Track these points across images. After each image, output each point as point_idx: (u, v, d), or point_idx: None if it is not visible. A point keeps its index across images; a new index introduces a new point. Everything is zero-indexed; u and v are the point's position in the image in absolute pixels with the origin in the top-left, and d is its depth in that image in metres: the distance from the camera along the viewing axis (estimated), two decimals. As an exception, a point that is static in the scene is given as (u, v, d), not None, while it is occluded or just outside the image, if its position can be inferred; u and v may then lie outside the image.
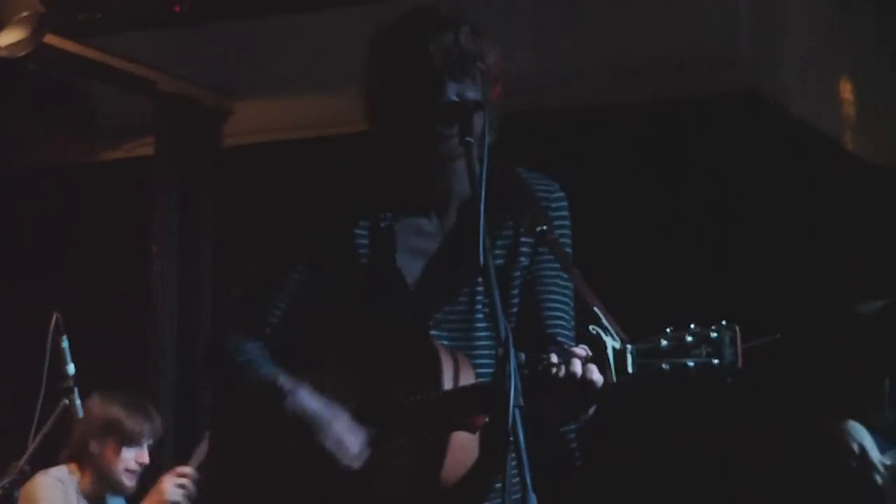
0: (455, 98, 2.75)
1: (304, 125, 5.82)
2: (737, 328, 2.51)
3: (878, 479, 4.30)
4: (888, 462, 4.32)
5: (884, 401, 4.34)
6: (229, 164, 6.01)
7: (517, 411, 2.45)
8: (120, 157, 6.26)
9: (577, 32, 5.54)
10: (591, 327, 2.56)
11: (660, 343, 2.53)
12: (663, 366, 2.52)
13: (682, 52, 5.36)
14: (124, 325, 5.91)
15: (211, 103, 5.99)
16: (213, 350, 2.97)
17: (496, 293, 2.56)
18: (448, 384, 2.69)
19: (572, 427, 2.82)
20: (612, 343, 2.54)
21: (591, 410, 2.68)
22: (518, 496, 2.42)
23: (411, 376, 2.73)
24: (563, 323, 2.86)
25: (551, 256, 2.83)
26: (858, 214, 4.44)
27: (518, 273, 2.85)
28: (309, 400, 2.74)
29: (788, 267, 5.22)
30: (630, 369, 2.54)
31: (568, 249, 2.87)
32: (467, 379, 2.71)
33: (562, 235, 2.86)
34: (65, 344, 4.78)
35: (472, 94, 2.76)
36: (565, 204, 2.90)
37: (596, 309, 2.59)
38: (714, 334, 2.51)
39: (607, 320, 2.57)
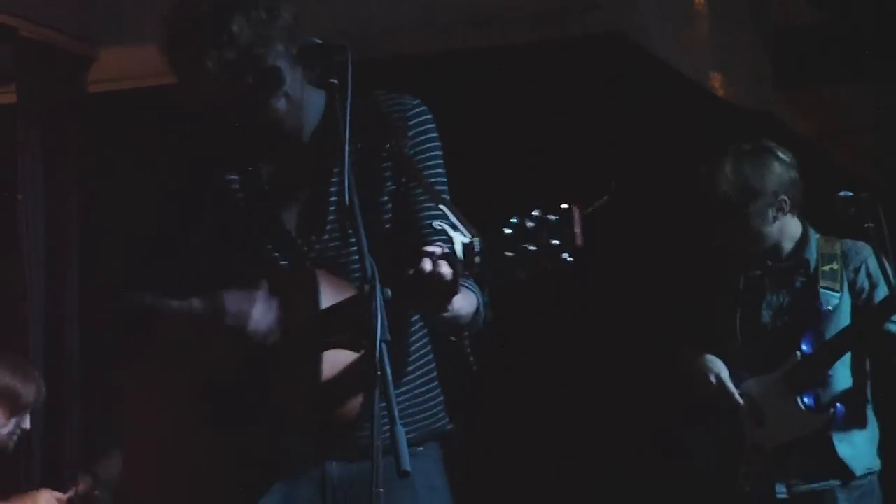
0: (318, 41, 2.81)
1: (170, 72, 5.77)
2: (576, 208, 2.59)
3: (736, 406, 4.44)
4: (742, 392, 4.46)
5: (736, 332, 4.47)
6: (95, 112, 5.95)
7: (384, 346, 2.53)
8: (-19, 105, 6.16)
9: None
10: (436, 223, 2.67)
11: (503, 232, 2.60)
12: (507, 253, 2.59)
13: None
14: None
15: (74, 50, 5.91)
16: (116, 314, 3.07)
17: (362, 231, 2.63)
18: (328, 302, 2.78)
19: (466, 335, 2.94)
20: (460, 238, 2.64)
21: (471, 308, 2.83)
22: (386, 428, 2.51)
23: (292, 301, 2.82)
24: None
25: (422, 171, 2.91)
26: (715, 151, 4.56)
27: (387, 198, 2.94)
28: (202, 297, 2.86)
29: (648, 202, 5.35)
30: (477, 260, 2.62)
31: (436, 156, 2.96)
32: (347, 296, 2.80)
33: (427, 150, 2.93)
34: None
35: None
36: (427, 116, 2.98)
37: (443, 206, 2.69)
38: (553, 217, 2.58)
39: (456, 217, 2.66)
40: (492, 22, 5.52)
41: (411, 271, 2.63)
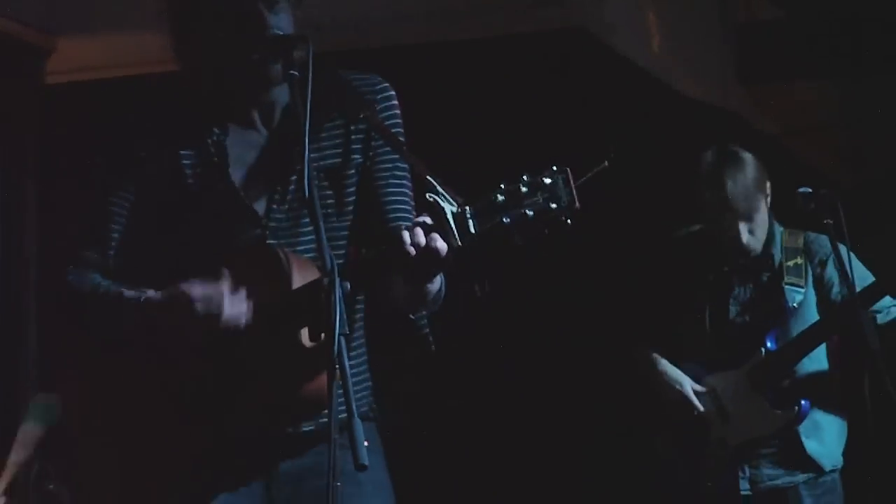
0: (278, 31, 2.79)
1: (129, 62, 5.74)
2: (568, 169, 2.52)
3: (699, 407, 4.42)
4: (706, 389, 4.44)
5: (706, 327, 4.46)
6: (53, 102, 5.91)
7: (342, 339, 2.50)
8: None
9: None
10: (427, 195, 2.58)
11: (496, 198, 2.53)
12: (504, 220, 2.52)
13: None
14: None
15: (32, 40, 5.86)
16: (61, 291, 2.98)
17: (321, 223, 2.60)
18: (298, 283, 2.73)
19: (424, 314, 2.89)
20: (450, 208, 2.55)
21: (437, 284, 2.75)
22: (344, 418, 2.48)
23: (259, 280, 2.76)
24: (405, 209, 2.92)
25: (385, 148, 2.88)
26: (674, 146, 4.57)
27: (353, 171, 2.91)
28: (156, 294, 2.79)
29: (612, 197, 5.34)
30: (472, 230, 2.55)
31: (400, 133, 2.92)
32: (312, 276, 2.75)
33: (393, 125, 2.91)
34: None
35: (287, 24, 2.82)
36: (391, 94, 2.95)
37: (430, 178, 2.61)
38: (547, 179, 2.51)
39: (442, 188, 2.58)
40: (459, 15, 5.53)
41: (403, 241, 2.57)
